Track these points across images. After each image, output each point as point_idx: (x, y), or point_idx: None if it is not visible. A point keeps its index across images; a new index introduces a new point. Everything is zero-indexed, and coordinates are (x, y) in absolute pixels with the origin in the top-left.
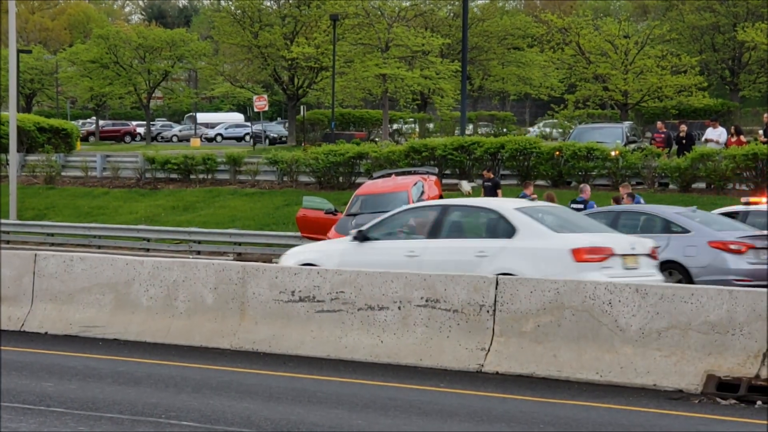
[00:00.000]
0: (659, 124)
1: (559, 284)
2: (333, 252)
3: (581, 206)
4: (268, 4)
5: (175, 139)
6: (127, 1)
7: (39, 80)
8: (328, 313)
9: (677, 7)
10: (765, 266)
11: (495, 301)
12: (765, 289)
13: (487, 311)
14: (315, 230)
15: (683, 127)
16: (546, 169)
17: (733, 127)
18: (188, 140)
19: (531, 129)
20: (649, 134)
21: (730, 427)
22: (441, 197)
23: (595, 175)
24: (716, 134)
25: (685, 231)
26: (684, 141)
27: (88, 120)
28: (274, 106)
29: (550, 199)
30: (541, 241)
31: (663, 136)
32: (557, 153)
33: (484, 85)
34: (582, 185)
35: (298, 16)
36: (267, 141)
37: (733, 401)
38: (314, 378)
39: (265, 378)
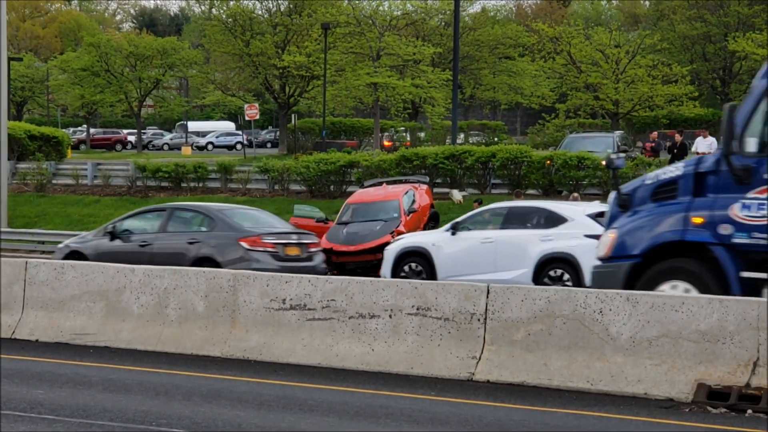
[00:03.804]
0: (654, 133)
1: (550, 293)
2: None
3: None
4: (260, 12)
5: (166, 147)
6: (118, 9)
7: (30, 88)
8: (319, 321)
9: (668, 16)
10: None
11: (486, 309)
12: (756, 299)
13: (478, 320)
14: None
15: (678, 137)
16: (537, 178)
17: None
18: (179, 148)
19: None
20: (640, 144)
21: None
22: (432, 206)
23: (585, 185)
24: (706, 145)
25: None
26: (676, 150)
27: (79, 128)
28: (265, 115)
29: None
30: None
31: (653, 145)
32: (548, 162)
33: (475, 94)
34: (572, 194)
35: (289, 24)
36: (254, 146)
37: (723, 410)
38: (305, 386)
39: (255, 386)
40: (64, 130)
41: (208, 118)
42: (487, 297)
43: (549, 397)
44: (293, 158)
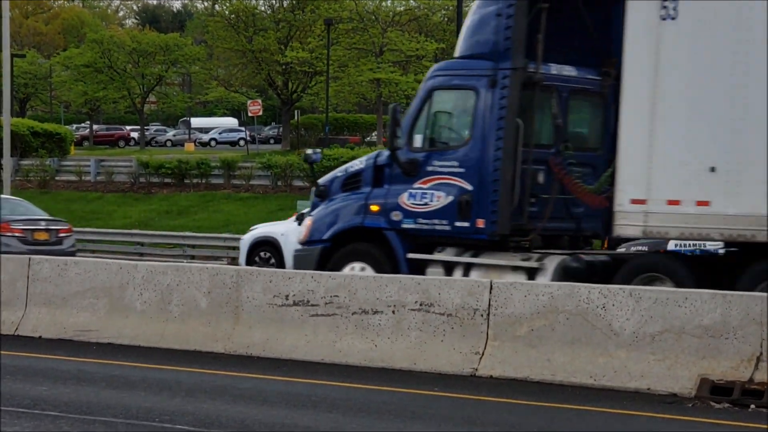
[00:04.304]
0: None
1: (553, 288)
2: None
3: None
4: (263, 8)
5: (169, 143)
6: (121, 6)
7: (33, 85)
8: (323, 317)
9: None
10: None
11: (489, 305)
12: (759, 293)
13: (481, 315)
14: None
15: None
16: None
17: None
18: (182, 145)
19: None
20: None
21: (723, 430)
22: None
23: None
24: None
25: None
26: None
27: (82, 124)
28: (268, 111)
29: None
30: None
31: None
32: None
33: None
34: None
35: (292, 20)
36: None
37: (726, 405)
38: (308, 382)
39: (259, 382)
40: (67, 126)
41: (211, 114)
42: (490, 292)
43: (552, 393)
44: (296, 154)
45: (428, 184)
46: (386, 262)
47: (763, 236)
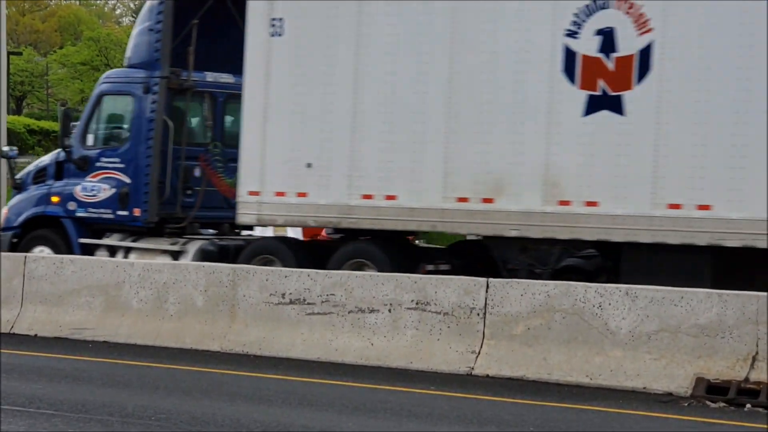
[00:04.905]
0: None
1: (549, 287)
2: None
3: None
4: None
5: None
6: (118, 4)
7: (29, 82)
8: (319, 316)
9: None
10: None
11: (485, 303)
12: (755, 293)
13: (478, 314)
14: (314, 230)
15: None
16: None
17: None
18: None
19: None
20: None
21: (719, 429)
22: None
23: None
24: None
25: None
26: None
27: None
28: None
29: None
30: None
31: None
32: None
33: None
34: None
35: None
36: None
37: (722, 404)
38: (304, 380)
39: (255, 380)
40: None
41: None
42: (487, 291)
43: (548, 392)
44: None
45: (97, 178)
46: (64, 246)
47: (348, 223)
